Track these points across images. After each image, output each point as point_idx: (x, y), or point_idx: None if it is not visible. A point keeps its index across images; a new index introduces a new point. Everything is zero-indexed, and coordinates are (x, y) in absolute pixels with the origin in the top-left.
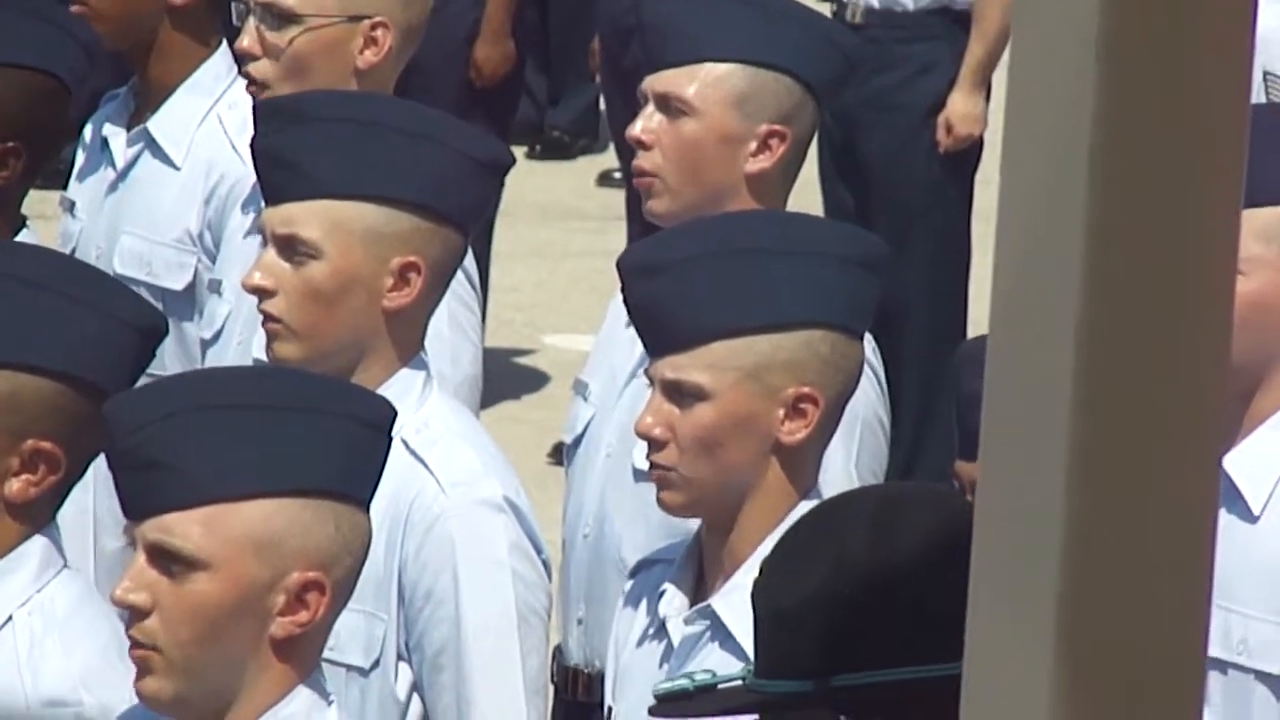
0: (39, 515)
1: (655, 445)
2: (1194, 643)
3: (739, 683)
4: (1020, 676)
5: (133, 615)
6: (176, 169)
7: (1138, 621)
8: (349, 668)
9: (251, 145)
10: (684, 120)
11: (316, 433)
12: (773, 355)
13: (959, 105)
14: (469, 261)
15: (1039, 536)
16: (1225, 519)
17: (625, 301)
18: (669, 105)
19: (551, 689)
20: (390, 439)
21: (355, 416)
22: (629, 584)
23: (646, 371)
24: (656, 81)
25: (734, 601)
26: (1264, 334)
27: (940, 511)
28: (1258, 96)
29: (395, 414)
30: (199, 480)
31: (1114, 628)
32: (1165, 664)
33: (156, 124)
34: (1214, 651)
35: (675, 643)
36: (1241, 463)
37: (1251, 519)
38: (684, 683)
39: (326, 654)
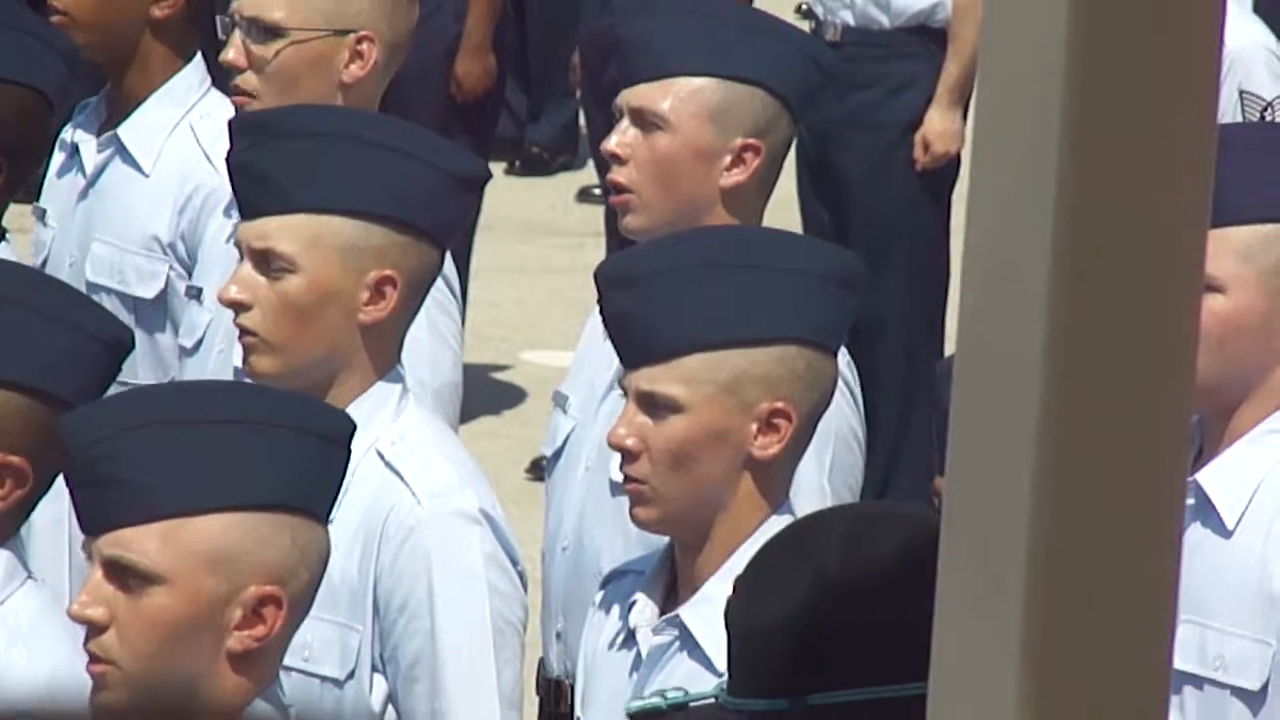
0: (4, 529)
1: (628, 457)
2: (1159, 660)
3: (712, 700)
4: (986, 693)
5: (90, 630)
6: (145, 175)
7: (1103, 638)
8: (324, 679)
9: (227, 160)
10: (658, 134)
11: (273, 447)
12: (748, 370)
13: (936, 123)
14: (449, 269)
15: (1005, 553)
16: (1200, 534)
17: (601, 313)
18: (643, 119)
19: (536, 700)
20: (349, 453)
21: (313, 431)
22: (599, 594)
23: (620, 383)
24: (631, 96)
25: (703, 612)
26: (1241, 351)
27: (913, 530)
28: (1234, 115)
29: (354, 428)
30: (155, 495)
31: (1080, 644)
32: (1131, 681)
33: (126, 130)
34: (1190, 667)
35: (644, 653)
36: (1217, 478)
37: (1226, 534)
38: (657, 701)
39: (301, 665)
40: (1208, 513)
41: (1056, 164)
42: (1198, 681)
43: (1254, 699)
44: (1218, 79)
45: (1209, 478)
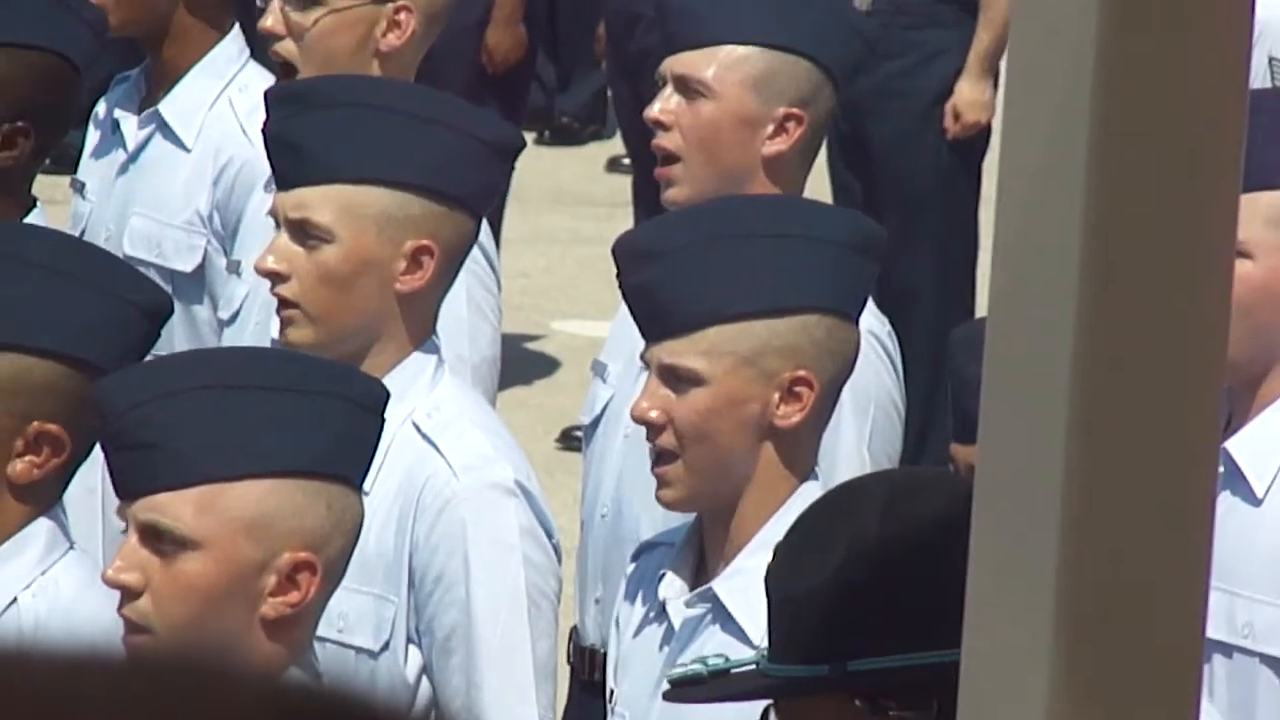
0: (44, 497)
1: (653, 429)
2: (1192, 626)
3: (753, 667)
4: (1019, 658)
5: (124, 595)
6: (187, 151)
7: (1136, 604)
8: (358, 650)
9: (263, 130)
10: (702, 102)
11: (308, 413)
12: (769, 340)
13: (967, 92)
14: (488, 243)
15: (1038, 518)
16: (1229, 502)
17: (621, 287)
18: (687, 87)
19: (569, 669)
20: (383, 419)
21: (347, 397)
22: (631, 566)
23: (642, 356)
24: (675, 63)
25: (735, 584)
26: (1269, 318)
27: (955, 495)
28: (1264, 82)
29: (388, 395)
30: (191, 460)
31: (1112, 610)
32: (1164, 647)
33: (168, 106)
34: (1218, 635)
35: (676, 626)
36: (1246, 446)
37: (1255, 502)
38: (697, 667)
39: (336, 636)
40: (1237, 481)
41: (1087, 130)
42: (1226, 649)
43: None
44: (1249, 45)
45: (1238, 446)
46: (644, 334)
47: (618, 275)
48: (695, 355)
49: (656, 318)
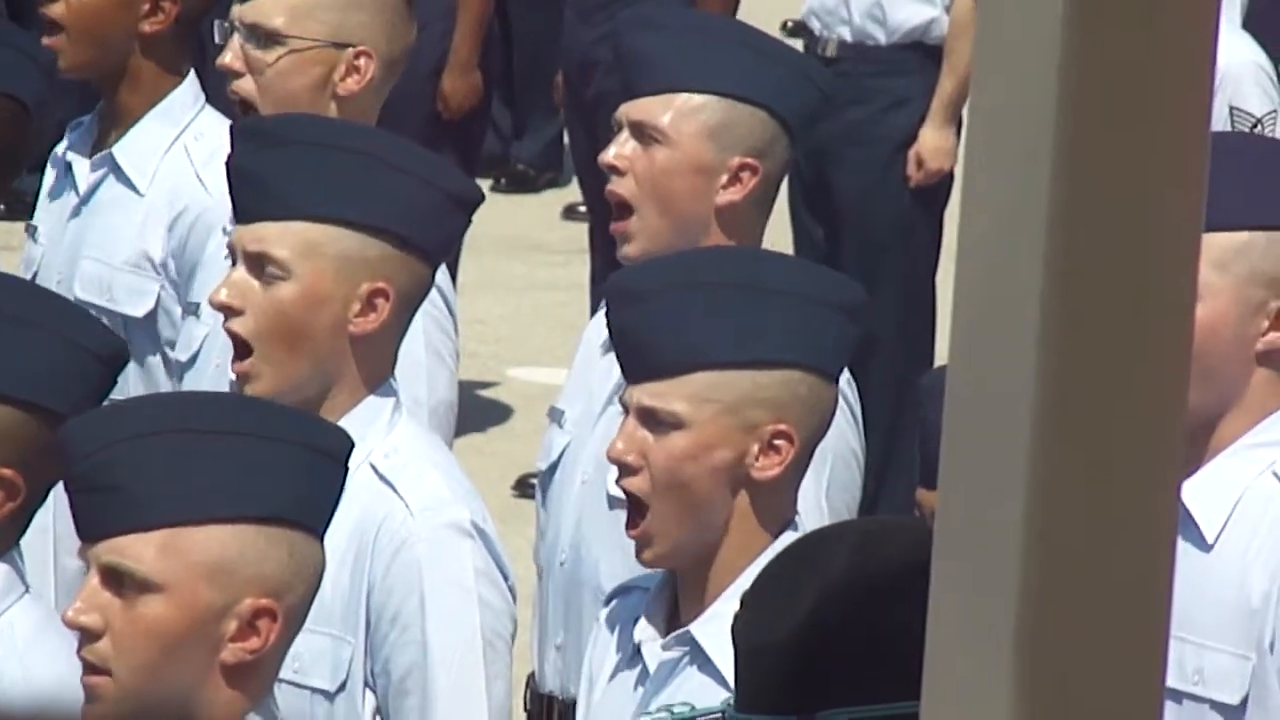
0: (0, 541)
1: (626, 471)
2: (1152, 672)
3: (719, 715)
4: (978, 707)
5: (84, 637)
6: (140, 195)
7: (1096, 651)
8: (314, 690)
9: (227, 163)
10: (657, 148)
11: (273, 460)
12: (753, 392)
13: (930, 140)
14: (446, 287)
15: (998, 563)
16: (1180, 547)
17: (609, 325)
18: (643, 133)
19: (525, 717)
20: (347, 469)
21: (312, 445)
22: (604, 611)
23: (620, 398)
24: (632, 109)
25: (713, 629)
26: (1216, 362)
27: (921, 544)
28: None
29: (352, 444)
30: (154, 504)
31: (1072, 657)
32: (1123, 694)
33: (121, 150)
34: (1169, 681)
35: (651, 668)
36: (1197, 492)
37: (1206, 548)
38: (663, 715)
39: (292, 677)
40: (1188, 527)
41: (1050, 178)
42: (1177, 696)
43: (1233, 713)
44: (1211, 101)
45: (1189, 492)
46: (627, 375)
47: (606, 314)
48: (678, 399)
49: (641, 359)
